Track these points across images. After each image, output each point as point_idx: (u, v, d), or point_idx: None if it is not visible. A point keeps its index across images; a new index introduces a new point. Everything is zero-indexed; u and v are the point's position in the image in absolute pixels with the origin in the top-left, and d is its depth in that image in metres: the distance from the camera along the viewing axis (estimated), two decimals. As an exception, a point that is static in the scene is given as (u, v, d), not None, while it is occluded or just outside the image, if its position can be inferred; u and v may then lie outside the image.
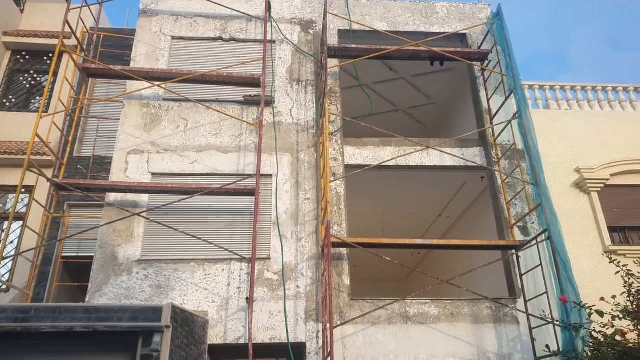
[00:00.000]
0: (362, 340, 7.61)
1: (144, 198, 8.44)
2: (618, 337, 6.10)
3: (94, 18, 10.60)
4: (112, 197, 8.37)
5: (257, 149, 8.73)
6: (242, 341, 7.46)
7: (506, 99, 9.09)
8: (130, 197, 8.39)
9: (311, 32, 10.43)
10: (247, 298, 7.63)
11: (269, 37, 9.90)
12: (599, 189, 9.23)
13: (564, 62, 58.54)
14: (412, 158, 9.29)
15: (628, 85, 10.81)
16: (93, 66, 8.71)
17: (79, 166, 10.12)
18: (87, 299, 7.57)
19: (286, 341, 7.50)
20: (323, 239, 7.89)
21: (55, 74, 11.10)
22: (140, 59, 9.70)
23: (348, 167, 9.03)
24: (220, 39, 10.15)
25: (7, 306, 5.18)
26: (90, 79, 10.02)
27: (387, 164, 8.96)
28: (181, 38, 10.09)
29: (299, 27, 10.46)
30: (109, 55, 11.10)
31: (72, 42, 10.93)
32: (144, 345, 4.80)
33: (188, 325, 5.94)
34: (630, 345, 6.02)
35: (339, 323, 7.36)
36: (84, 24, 9.77)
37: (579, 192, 9.30)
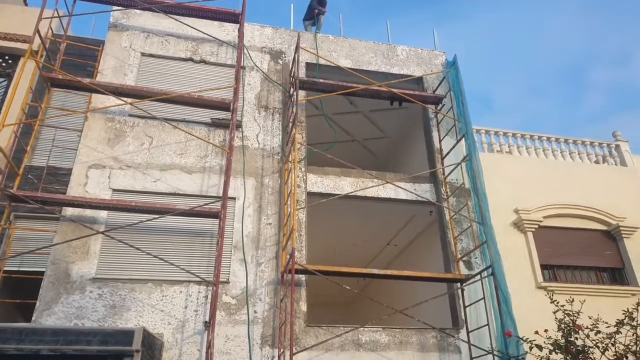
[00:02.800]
0: (315, 365, 7.86)
1: (102, 214, 8.31)
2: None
3: (62, 26, 10.37)
4: (69, 211, 8.18)
5: (224, 172, 8.88)
6: (197, 364, 7.48)
7: (457, 142, 9.85)
8: (88, 212, 8.24)
9: (280, 62, 10.80)
10: (205, 322, 7.67)
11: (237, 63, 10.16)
12: (534, 229, 10.14)
13: (489, 104, 63.15)
14: (370, 190, 9.79)
15: (559, 136, 12.01)
16: (59, 77, 8.54)
17: (29, 175, 9.72)
18: (33, 318, 7.30)
19: (241, 365, 7.60)
20: (284, 264, 8.13)
21: (9, 77, 10.69)
22: (107, 72, 9.63)
23: (310, 195, 9.37)
24: (191, 60, 10.28)
25: None
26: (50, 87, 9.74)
27: (347, 194, 9.37)
28: (151, 55, 10.12)
29: (269, 56, 10.80)
30: (71, 64, 10.84)
31: (32, 46, 10.60)
32: (114, 369, 4.79)
33: (152, 348, 5.95)
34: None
35: (296, 350, 7.57)
36: (52, 31, 9.56)
37: (517, 231, 10.17)
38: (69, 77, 8.53)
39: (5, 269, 9.22)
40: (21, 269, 9.41)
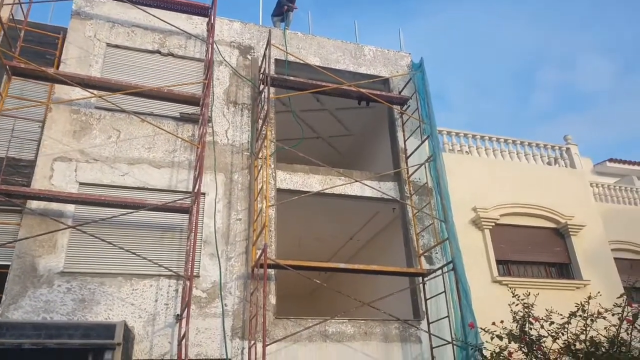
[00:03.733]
0: (284, 357, 8.08)
1: (69, 208, 8.17)
2: (502, 356, 7.27)
3: (22, 11, 9.98)
4: (33, 204, 7.99)
5: (192, 167, 8.91)
6: (167, 357, 7.54)
7: (422, 142, 10.27)
8: (55, 205, 8.07)
9: (249, 57, 10.85)
10: (176, 315, 7.72)
11: (206, 57, 10.14)
12: (491, 227, 10.73)
13: (441, 100, 65.22)
14: (337, 187, 10.04)
15: (515, 138, 12.69)
16: (22, 65, 8.28)
17: (-16, 166, 9.39)
18: None
19: (211, 357, 7.72)
20: (255, 259, 8.28)
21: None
22: (71, 62, 9.40)
23: (279, 191, 9.53)
24: (158, 52, 10.17)
25: None
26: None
27: (319, 192, 9.59)
28: (117, 46, 9.94)
29: (238, 51, 10.83)
30: (29, 51, 10.46)
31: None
32: (94, 362, 4.82)
33: (127, 341, 5.98)
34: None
35: (267, 341, 7.75)
36: (12, 16, 9.21)
37: (475, 228, 10.73)
38: (33, 67, 8.29)
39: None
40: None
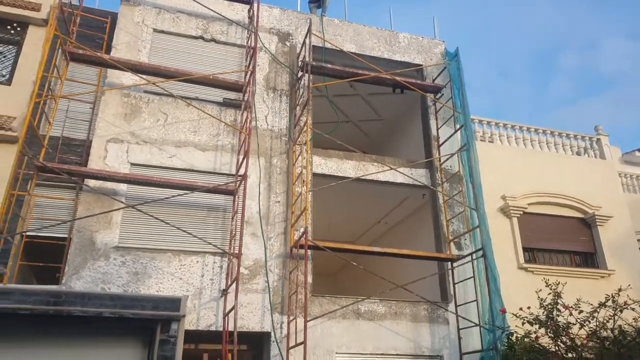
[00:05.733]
0: (320, 332, 8.61)
1: (122, 187, 8.73)
2: (527, 339, 7.69)
3: (76, -2, 10.45)
4: (90, 182, 8.56)
5: (235, 151, 9.37)
6: (213, 328, 8.14)
7: (455, 131, 10.52)
8: (109, 184, 8.64)
9: (287, 44, 11.16)
10: (223, 290, 8.29)
11: (246, 43, 10.49)
12: (519, 215, 11.01)
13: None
14: (370, 174, 10.41)
15: (545, 128, 12.82)
16: (80, 51, 8.76)
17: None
18: (63, 281, 7.79)
19: (252, 330, 8.31)
20: (295, 240, 8.77)
21: (19, 45, 10.74)
22: (121, 47, 9.85)
23: (315, 176, 9.95)
24: (202, 38, 10.55)
25: (40, 290, 5.43)
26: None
27: (357, 178, 9.97)
28: (163, 32, 10.35)
29: (277, 38, 11.14)
30: (80, 35, 10.94)
31: (39, 15, 10.65)
32: (162, 332, 5.36)
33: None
34: (535, 345, 7.63)
35: (304, 317, 8.27)
36: (70, 1, 9.67)
37: (503, 216, 11.02)
38: (90, 53, 8.76)
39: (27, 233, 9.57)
40: (38, 234, 9.78)
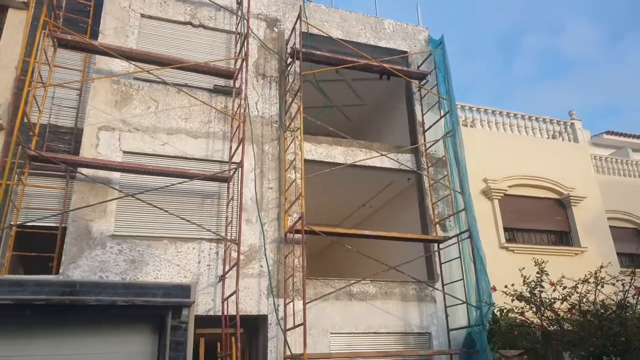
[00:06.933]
0: (314, 313, 8.91)
1: (115, 175, 8.72)
2: (512, 315, 8.19)
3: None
4: (84, 170, 8.52)
5: (227, 138, 9.45)
6: (211, 313, 8.32)
7: (441, 117, 10.85)
8: (102, 172, 8.62)
9: (276, 30, 11.19)
10: (220, 275, 8.46)
11: (235, 29, 10.47)
12: (500, 197, 11.51)
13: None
14: (358, 158, 10.66)
15: (524, 113, 13.32)
16: (69, 37, 8.61)
17: (30, 133, 9.81)
18: (61, 270, 7.80)
19: (249, 313, 8.53)
20: (289, 226, 8.97)
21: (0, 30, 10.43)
22: (109, 33, 9.71)
23: (306, 162, 10.12)
24: (190, 24, 10.47)
25: (55, 281, 5.48)
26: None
27: (340, 162, 10.21)
28: (150, 17, 10.23)
29: (265, 24, 11.16)
30: (64, 19, 10.70)
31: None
32: (173, 318, 5.52)
33: (187, 299, 6.70)
34: (518, 320, 8.15)
35: (300, 299, 8.55)
36: (55, -15, 9.42)
37: (485, 198, 11.50)
38: (79, 38, 8.62)
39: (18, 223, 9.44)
40: (28, 224, 9.67)
